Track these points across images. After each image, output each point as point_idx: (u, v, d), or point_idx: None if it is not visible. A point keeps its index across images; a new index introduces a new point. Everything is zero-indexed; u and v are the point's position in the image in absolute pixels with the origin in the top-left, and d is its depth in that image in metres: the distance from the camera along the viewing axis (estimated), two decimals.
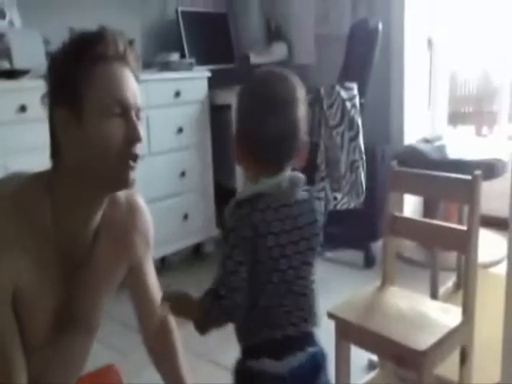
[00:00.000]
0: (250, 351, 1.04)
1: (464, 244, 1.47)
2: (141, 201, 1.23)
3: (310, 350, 1.04)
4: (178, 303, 1.00)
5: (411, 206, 3.06)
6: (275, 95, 1.01)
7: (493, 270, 2.58)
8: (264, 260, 1.00)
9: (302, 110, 1.03)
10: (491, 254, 2.64)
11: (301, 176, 1.06)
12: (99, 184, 1.01)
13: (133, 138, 0.98)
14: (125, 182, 1.00)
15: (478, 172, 1.44)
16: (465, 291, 1.48)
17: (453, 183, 1.52)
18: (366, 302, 1.57)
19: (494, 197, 2.65)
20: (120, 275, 1.21)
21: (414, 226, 1.61)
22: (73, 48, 0.99)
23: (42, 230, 1.01)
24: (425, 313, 1.48)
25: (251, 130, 1.02)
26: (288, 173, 1.05)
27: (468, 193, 1.46)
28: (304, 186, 1.06)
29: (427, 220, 1.61)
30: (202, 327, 0.97)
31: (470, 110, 4.09)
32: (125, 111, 0.97)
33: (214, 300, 0.96)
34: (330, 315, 1.44)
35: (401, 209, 2.73)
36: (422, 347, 1.28)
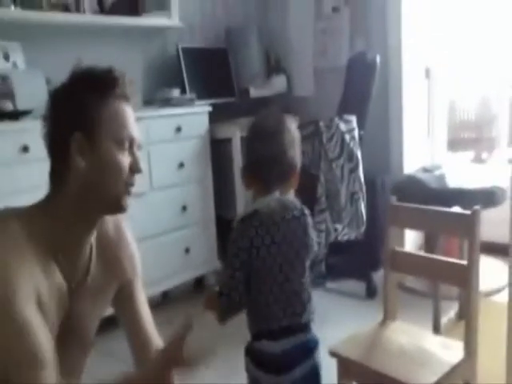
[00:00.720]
0: (254, 336, 1.31)
1: (465, 279, 1.47)
2: (126, 228, 1.32)
3: (302, 336, 1.28)
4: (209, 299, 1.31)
5: (412, 237, 3.07)
6: (262, 127, 1.30)
7: (495, 298, 2.57)
8: (259, 267, 1.25)
9: (289, 139, 1.27)
10: (492, 283, 2.63)
11: (291, 200, 1.30)
12: (101, 206, 1.12)
13: (137, 169, 1.13)
14: (124, 207, 1.14)
15: (476, 207, 1.45)
16: (466, 326, 1.48)
17: (452, 218, 1.53)
18: (368, 339, 1.56)
19: (494, 223, 2.66)
20: (111, 294, 1.28)
21: (415, 260, 1.61)
22: (95, 79, 1.10)
23: (47, 250, 1.08)
24: (426, 349, 1.47)
25: (248, 156, 1.30)
26: (277, 195, 1.27)
27: (467, 227, 1.47)
28: (296, 207, 1.29)
29: (427, 255, 1.61)
30: (218, 318, 1.27)
31: (469, 136, 4.12)
32: (131, 145, 1.13)
33: (219, 297, 1.26)
34: (332, 353, 1.44)
35: (401, 243, 2.73)
36: None
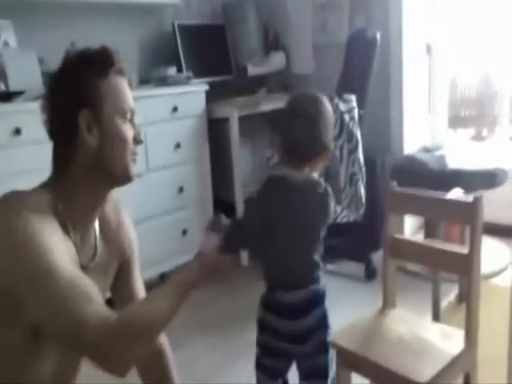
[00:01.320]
0: (269, 287, 1.45)
1: (466, 267, 1.45)
2: (124, 210, 1.36)
3: (312, 287, 1.41)
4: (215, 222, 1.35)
5: (411, 220, 3.04)
6: (301, 110, 1.38)
7: (496, 280, 2.55)
8: (275, 224, 1.37)
9: (324, 123, 1.37)
10: (493, 264, 2.61)
11: (317, 178, 1.41)
12: (111, 179, 1.16)
13: (139, 139, 1.19)
14: (132, 176, 1.18)
15: (478, 193, 1.41)
16: (467, 316, 1.46)
17: (453, 205, 1.49)
18: (367, 328, 1.54)
19: (494, 204, 2.63)
20: (113, 273, 1.31)
21: (415, 248, 1.58)
22: (92, 59, 1.14)
23: (61, 229, 1.10)
24: (426, 339, 1.45)
25: (284, 134, 1.39)
26: (306, 171, 1.38)
27: (469, 215, 1.43)
28: (320, 186, 1.40)
29: (428, 242, 1.58)
30: (221, 243, 1.26)
31: (470, 114, 4.06)
32: (132, 117, 1.18)
33: (235, 224, 1.35)
34: (332, 344, 1.42)
35: (401, 229, 2.71)
36: (424, 379, 1.26)
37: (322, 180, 1.43)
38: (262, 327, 1.47)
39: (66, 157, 1.13)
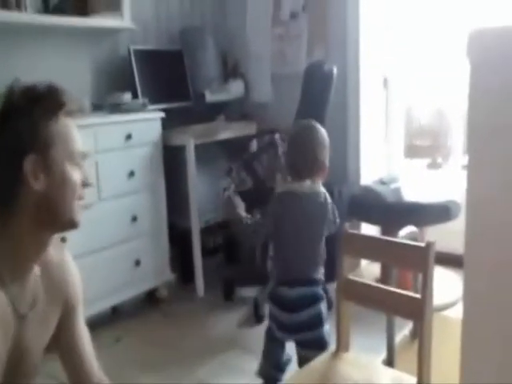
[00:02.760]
0: (276, 283, 1.76)
1: (418, 312, 1.43)
2: (68, 253, 1.29)
3: (312, 288, 1.73)
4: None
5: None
6: (298, 139, 1.81)
7: (449, 312, 2.56)
8: (282, 229, 1.76)
9: (319, 148, 1.77)
10: (446, 296, 2.62)
11: (318, 188, 1.79)
12: (56, 225, 1.11)
13: (87, 182, 1.15)
14: (77, 223, 1.13)
15: (431, 241, 1.40)
16: (419, 361, 1.43)
17: (405, 249, 1.48)
18: (320, 373, 1.50)
19: (448, 234, 2.66)
20: (55, 320, 1.23)
21: (368, 291, 1.56)
22: (40, 99, 1.07)
23: None
24: None
25: (289, 157, 1.84)
26: (308, 183, 1.77)
27: (421, 260, 1.42)
28: (320, 195, 1.77)
29: (381, 286, 1.56)
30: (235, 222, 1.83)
31: (425, 144, 4.15)
32: (81, 161, 1.14)
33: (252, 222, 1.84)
34: None
35: (357, 269, 2.71)
36: None
37: (323, 191, 1.78)
38: (269, 316, 1.84)
39: (9, 198, 1.06)
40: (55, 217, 1.09)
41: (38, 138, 1.05)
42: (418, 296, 1.44)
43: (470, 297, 1.23)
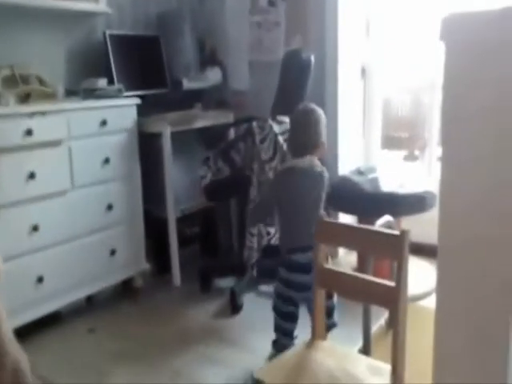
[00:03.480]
0: (288, 251, 2.01)
1: (393, 300, 1.42)
2: None
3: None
4: None
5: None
6: (297, 121, 2.10)
7: (424, 302, 2.58)
8: (285, 201, 2.03)
9: (315, 128, 2.04)
10: (420, 286, 2.63)
11: (316, 163, 2.04)
12: None
13: None
14: None
15: (406, 229, 1.40)
16: (394, 349, 1.43)
17: (380, 237, 1.47)
18: (295, 362, 1.49)
19: (424, 224, 2.67)
20: None
21: (343, 279, 1.55)
22: None
23: None
24: (355, 374, 1.42)
25: (291, 138, 2.14)
26: (308, 158, 2.02)
27: (396, 248, 1.42)
28: (317, 169, 2.03)
29: (356, 274, 1.55)
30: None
31: (402, 136, 4.17)
32: None
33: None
34: (257, 381, 1.36)
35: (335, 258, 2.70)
36: None
37: (320, 164, 2.03)
38: (280, 280, 2.04)
39: None
40: None
41: None
42: (392, 284, 1.44)
43: (443, 286, 1.23)
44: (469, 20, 1.11)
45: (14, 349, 1.28)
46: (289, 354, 1.56)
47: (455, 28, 1.10)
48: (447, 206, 1.19)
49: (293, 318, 2.07)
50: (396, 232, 1.43)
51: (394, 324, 1.44)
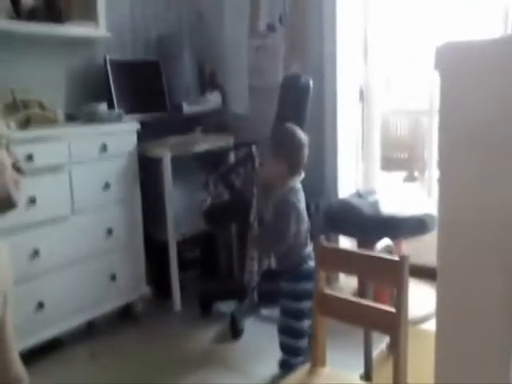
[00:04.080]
0: (301, 259, 2.10)
1: (394, 326, 1.42)
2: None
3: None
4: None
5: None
6: (293, 138, 2.13)
7: (424, 326, 2.56)
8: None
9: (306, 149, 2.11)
10: (421, 309, 2.62)
11: None
12: None
13: (18, 165, 1.25)
14: (14, 201, 1.22)
15: (405, 255, 1.39)
16: (395, 375, 1.42)
17: (380, 263, 1.47)
18: None
19: (423, 246, 2.66)
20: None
21: (343, 305, 1.55)
22: None
23: None
24: None
25: (293, 157, 2.13)
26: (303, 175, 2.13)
27: (395, 274, 1.41)
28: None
29: (356, 300, 1.55)
30: None
31: (402, 157, 4.19)
32: (8, 144, 1.22)
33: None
34: None
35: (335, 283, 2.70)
36: None
37: None
38: (285, 295, 2.13)
39: None
40: None
41: None
42: (392, 310, 1.43)
43: (443, 309, 1.22)
44: (463, 49, 1.13)
45: (19, 366, 1.32)
46: (290, 381, 1.54)
47: (449, 57, 1.12)
48: (446, 228, 1.19)
49: (304, 334, 2.06)
50: (396, 257, 1.43)
51: (395, 350, 1.43)
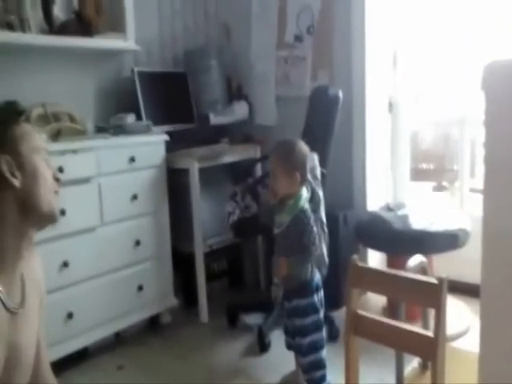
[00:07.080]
0: (307, 269, 2.07)
1: (431, 351, 1.38)
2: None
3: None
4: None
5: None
6: (301, 149, 2.12)
7: (457, 343, 2.50)
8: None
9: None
10: (454, 326, 2.56)
11: None
12: (38, 219, 1.19)
13: (57, 176, 1.25)
14: (56, 213, 1.23)
15: (444, 276, 1.36)
16: None
17: (416, 285, 1.44)
18: None
19: (456, 262, 2.60)
20: (37, 317, 1.28)
21: (377, 327, 1.51)
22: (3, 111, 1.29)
23: None
24: None
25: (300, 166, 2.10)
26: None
27: (433, 296, 1.38)
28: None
29: (392, 322, 1.51)
30: None
31: (430, 168, 4.12)
32: (46, 156, 1.22)
33: None
34: None
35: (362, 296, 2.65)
36: None
37: None
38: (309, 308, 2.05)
39: None
40: (36, 210, 1.17)
41: (7, 140, 1.15)
42: (430, 334, 1.39)
43: (488, 327, 1.19)
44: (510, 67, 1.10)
45: (51, 376, 1.34)
46: None
47: (497, 77, 1.08)
48: (491, 242, 1.16)
49: (311, 349, 2.04)
50: (433, 280, 1.39)
51: (432, 375, 1.40)
